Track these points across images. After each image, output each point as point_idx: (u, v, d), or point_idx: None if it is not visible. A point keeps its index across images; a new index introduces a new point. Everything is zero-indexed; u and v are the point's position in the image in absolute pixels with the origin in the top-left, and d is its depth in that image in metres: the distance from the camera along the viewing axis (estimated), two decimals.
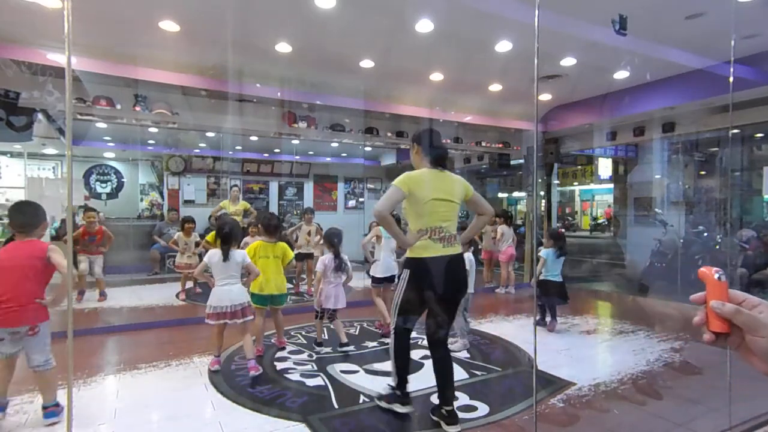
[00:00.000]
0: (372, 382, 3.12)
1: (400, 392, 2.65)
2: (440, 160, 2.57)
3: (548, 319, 4.53)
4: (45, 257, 2.43)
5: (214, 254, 3.24)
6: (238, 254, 3.26)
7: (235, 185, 7.93)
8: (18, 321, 2.39)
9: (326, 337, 4.06)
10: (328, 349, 3.84)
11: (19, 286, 2.39)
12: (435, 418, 2.56)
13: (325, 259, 3.74)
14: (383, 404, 2.69)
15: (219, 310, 3.20)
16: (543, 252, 4.59)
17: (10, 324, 2.39)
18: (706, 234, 6.53)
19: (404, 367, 2.63)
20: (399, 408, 2.63)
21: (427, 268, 2.44)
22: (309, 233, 5.97)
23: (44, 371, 2.49)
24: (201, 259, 6.96)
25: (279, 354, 3.70)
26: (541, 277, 4.55)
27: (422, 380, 3.16)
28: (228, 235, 3.30)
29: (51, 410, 2.51)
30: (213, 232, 6.08)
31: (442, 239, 2.45)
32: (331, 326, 3.96)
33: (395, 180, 2.43)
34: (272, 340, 3.95)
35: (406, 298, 2.51)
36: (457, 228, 2.58)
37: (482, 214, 2.71)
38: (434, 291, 2.44)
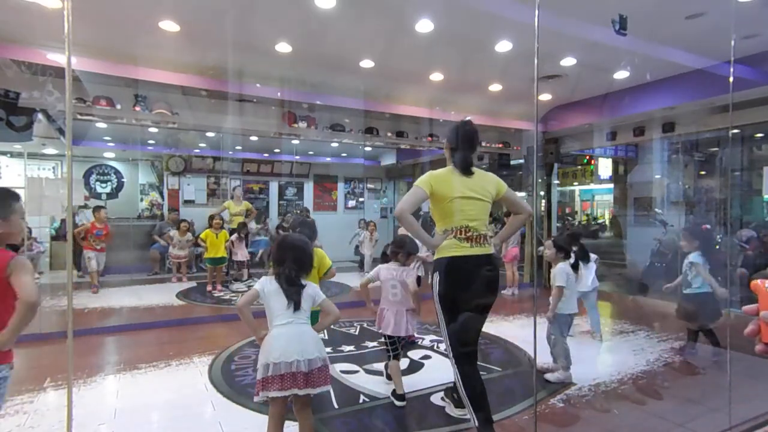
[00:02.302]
0: (372, 382, 3.12)
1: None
2: (465, 165, 2.36)
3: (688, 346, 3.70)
4: (5, 274, 1.61)
5: (269, 282, 2.10)
6: (309, 287, 2.15)
7: (238, 185, 7.96)
8: None
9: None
10: (328, 349, 3.84)
11: None
12: (446, 400, 2.70)
13: (383, 270, 2.98)
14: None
15: (282, 369, 1.93)
16: (694, 257, 3.62)
17: None
18: None
19: (476, 397, 2.22)
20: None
21: (455, 267, 2.28)
22: None
23: None
24: (191, 252, 7.15)
25: None
26: (690, 290, 3.61)
27: (422, 380, 3.16)
28: (302, 263, 2.17)
29: None
30: (207, 230, 6.15)
31: (469, 239, 2.28)
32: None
33: (418, 179, 2.32)
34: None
35: (447, 308, 2.29)
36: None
37: (518, 213, 2.52)
38: (464, 293, 2.27)
